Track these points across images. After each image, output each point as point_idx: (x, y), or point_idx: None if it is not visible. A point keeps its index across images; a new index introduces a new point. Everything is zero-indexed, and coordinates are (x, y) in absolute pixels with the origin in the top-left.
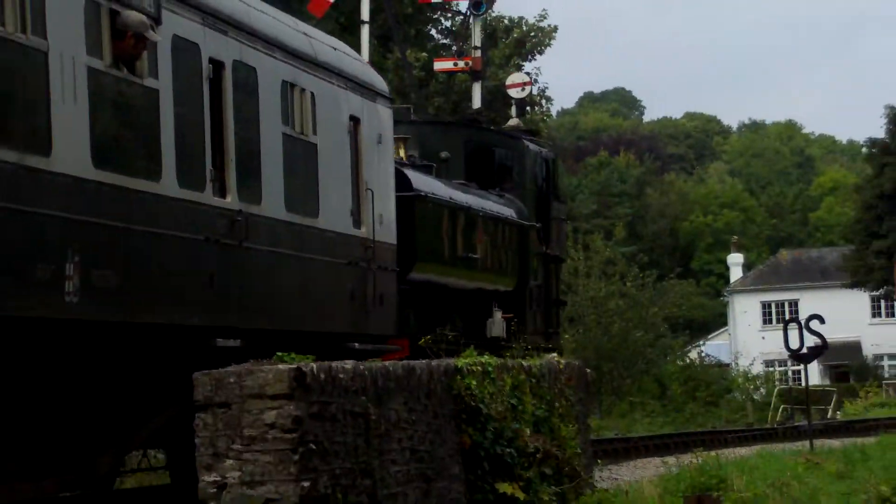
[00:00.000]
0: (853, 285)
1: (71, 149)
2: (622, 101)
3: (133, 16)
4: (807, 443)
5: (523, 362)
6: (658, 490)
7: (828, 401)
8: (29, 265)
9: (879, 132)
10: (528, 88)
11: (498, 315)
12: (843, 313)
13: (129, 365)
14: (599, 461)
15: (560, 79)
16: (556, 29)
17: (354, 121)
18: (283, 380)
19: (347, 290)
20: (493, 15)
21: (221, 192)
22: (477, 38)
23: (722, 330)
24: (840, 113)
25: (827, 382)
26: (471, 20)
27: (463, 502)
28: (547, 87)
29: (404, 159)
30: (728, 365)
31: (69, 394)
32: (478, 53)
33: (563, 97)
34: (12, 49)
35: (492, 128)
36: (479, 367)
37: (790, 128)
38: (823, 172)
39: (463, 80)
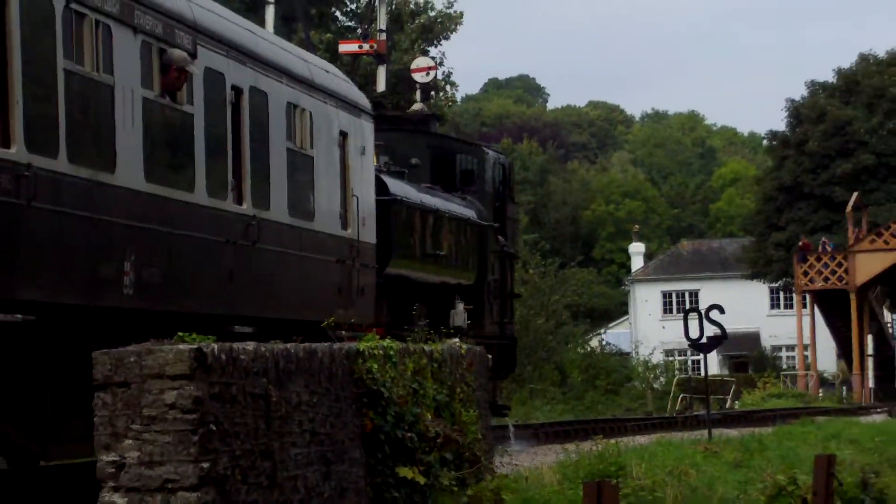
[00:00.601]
0: (752, 276)
1: (129, 166)
2: (526, 89)
3: (177, 53)
4: (705, 432)
5: (425, 347)
6: (557, 476)
7: (726, 391)
8: (100, 263)
9: (780, 125)
10: (432, 73)
11: (460, 306)
12: (743, 304)
13: None
14: (500, 447)
15: (465, 64)
16: (462, 15)
17: (343, 135)
18: (184, 360)
19: (336, 284)
20: None
21: (239, 200)
22: (382, 21)
23: (623, 319)
24: (742, 105)
25: (726, 372)
26: (376, 3)
27: (363, 486)
28: (452, 73)
29: (380, 166)
30: (628, 353)
31: None
32: (383, 37)
33: (467, 83)
34: (89, 85)
35: (455, 136)
36: (380, 351)
37: (692, 118)
38: (725, 164)
39: (368, 62)
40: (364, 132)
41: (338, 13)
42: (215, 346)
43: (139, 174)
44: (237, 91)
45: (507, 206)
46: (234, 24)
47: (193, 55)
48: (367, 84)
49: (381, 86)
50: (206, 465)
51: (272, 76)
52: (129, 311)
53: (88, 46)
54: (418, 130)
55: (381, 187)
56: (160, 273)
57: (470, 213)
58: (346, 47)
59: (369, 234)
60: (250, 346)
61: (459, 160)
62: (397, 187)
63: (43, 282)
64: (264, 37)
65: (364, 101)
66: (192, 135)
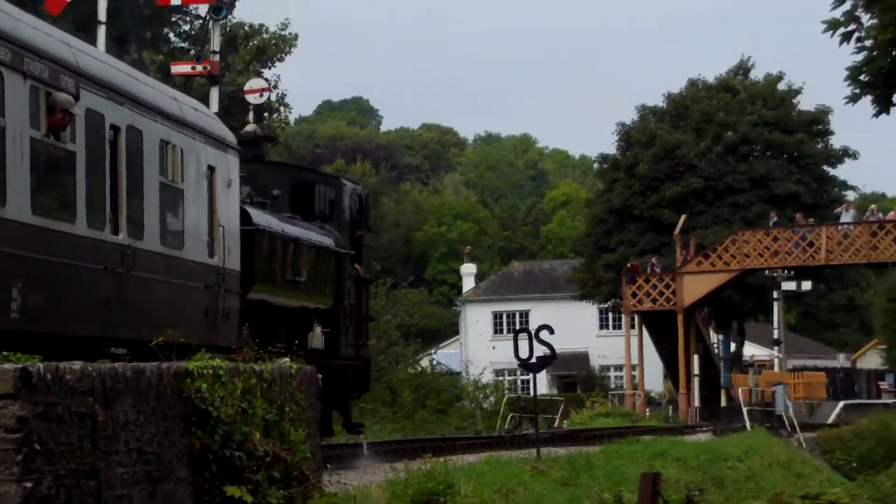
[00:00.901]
0: (582, 297)
1: (18, 200)
2: (360, 111)
3: (62, 96)
4: (534, 451)
5: (255, 366)
6: (386, 495)
7: (555, 410)
8: None
9: (611, 148)
10: (266, 94)
11: (318, 329)
12: (572, 325)
13: None
14: (329, 466)
15: (299, 86)
16: (296, 37)
17: (211, 169)
18: (8, 379)
19: (203, 308)
20: (234, 21)
21: (115, 230)
22: (216, 42)
23: (454, 339)
24: (573, 129)
25: (555, 392)
26: (210, 25)
27: None
28: (286, 94)
29: (244, 197)
30: (459, 373)
31: None
32: (216, 58)
33: (301, 105)
34: None
35: (314, 169)
36: (209, 371)
37: (524, 141)
38: (556, 186)
39: (201, 84)
40: (230, 166)
41: (171, 34)
42: (41, 365)
43: (27, 208)
44: (115, 130)
45: (364, 235)
46: (112, 68)
47: (76, 97)
48: None
49: (213, 107)
50: (29, 484)
51: (147, 115)
52: (15, 333)
53: (15, 101)
54: (279, 163)
55: (245, 217)
56: (44, 298)
57: (328, 242)
58: (178, 68)
59: (234, 262)
60: (77, 365)
61: (318, 191)
62: (260, 217)
63: None
64: (140, 79)
65: (230, 136)
66: (75, 170)
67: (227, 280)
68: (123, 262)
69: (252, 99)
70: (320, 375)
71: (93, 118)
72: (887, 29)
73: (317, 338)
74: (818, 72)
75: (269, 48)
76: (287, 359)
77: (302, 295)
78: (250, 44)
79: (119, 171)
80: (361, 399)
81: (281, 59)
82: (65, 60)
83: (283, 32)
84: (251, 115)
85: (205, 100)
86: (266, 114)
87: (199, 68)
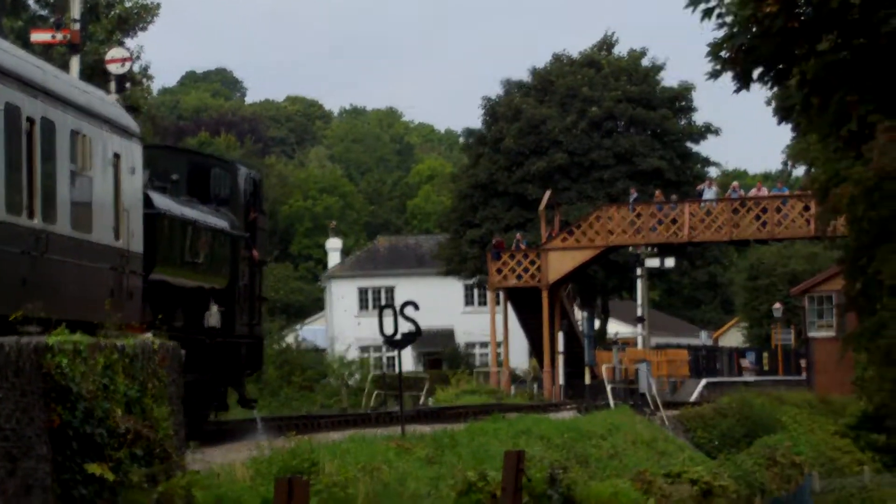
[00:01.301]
0: (448, 273)
1: None
2: (224, 82)
3: None
4: (399, 428)
5: (116, 342)
6: (250, 472)
7: (420, 387)
8: None
9: (477, 123)
10: (128, 64)
11: (214, 308)
12: (438, 301)
13: None
14: (192, 443)
15: (162, 57)
16: (158, 6)
17: (116, 156)
18: None
19: (109, 288)
20: None
21: (31, 215)
22: (76, 10)
23: (319, 315)
24: (439, 103)
25: (420, 369)
26: None
27: (49, 483)
28: (149, 65)
29: (146, 181)
30: (324, 350)
31: None
32: (76, 26)
33: (164, 75)
34: None
35: (210, 154)
36: (70, 346)
37: (390, 115)
38: (422, 160)
39: (61, 52)
40: (133, 153)
41: (30, 1)
42: None
43: None
44: (31, 122)
45: (258, 218)
46: (28, 63)
47: None
48: None
49: (73, 76)
50: None
51: (59, 107)
52: None
53: None
54: (178, 148)
55: (147, 202)
56: None
57: (224, 224)
58: (38, 36)
59: (137, 244)
60: None
61: (214, 175)
62: (161, 201)
63: None
64: (52, 73)
65: (134, 125)
66: None
67: (130, 261)
68: (37, 245)
69: (114, 69)
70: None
71: (11, 111)
72: (747, 5)
73: (213, 316)
74: (682, 47)
75: (130, 17)
76: (150, 334)
77: (199, 275)
78: (112, 12)
79: (34, 160)
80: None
81: (143, 29)
82: None
83: (145, 2)
84: (113, 86)
85: (65, 69)
86: (128, 84)
87: (60, 37)
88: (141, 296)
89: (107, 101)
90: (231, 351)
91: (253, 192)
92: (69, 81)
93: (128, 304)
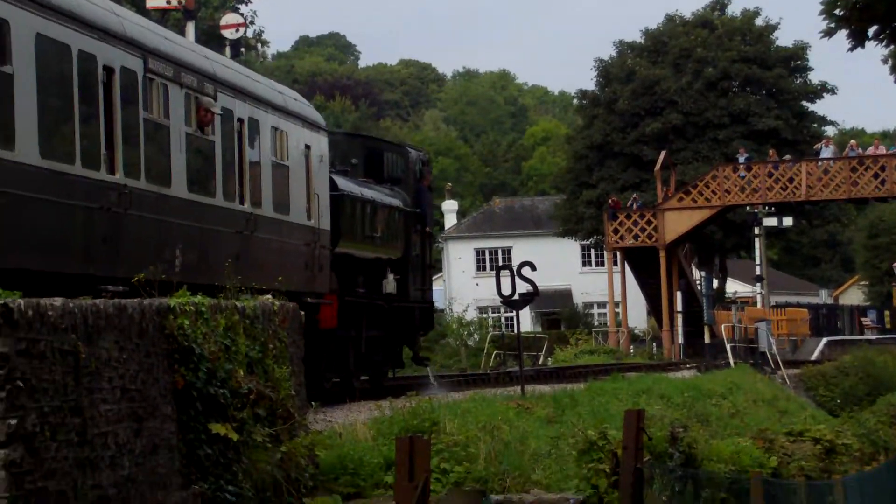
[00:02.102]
0: (564, 234)
1: (179, 182)
2: (338, 46)
3: (206, 99)
4: (518, 388)
5: (237, 303)
6: (372, 432)
7: (539, 347)
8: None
9: (590, 84)
10: (242, 30)
11: (390, 276)
12: (555, 261)
13: None
14: (313, 403)
15: (276, 22)
16: None
17: (307, 147)
18: None
19: (304, 261)
20: None
21: (242, 201)
22: None
23: (437, 276)
24: (552, 64)
25: (539, 329)
26: None
27: (175, 442)
28: (263, 31)
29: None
30: (442, 310)
31: None
32: None
33: (278, 40)
34: (160, 129)
35: (383, 138)
36: (192, 307)
37: (504, 77)
38: (536, 122)
39: (177, 18)
40: (321, 144)
41: None
42: (21, 301)
43: (184, 188)
44: (241, 121)
45: (426, 195)
46: (237, 73)
47: (215, 99)
48: None
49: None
50: (13, 421)
51: (261, 108)
52: (178, 284)
53: (156, 103)
54: (355, 134)
55: (332, 184)
56: (196, 256)
57: (397, 202)
58: (154, 2)
59: (325, 223)
60: (58, 301)
61: (387, 158)
62: (343, 184)
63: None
64: (257, 79)
65: (321, 120)
66: (214, 156)
67: (320, 238)
68: (247, 225)
69: (228, 34)
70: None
71: (226, 114)
72: None
73: (390, 283)
74: (796, 6)
75: None
76: (269, 295)
77: (377, 248)
78: None
79: (243, 152)
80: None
81: None
82: (207, 71)
83: None
84: (228, 51)
85: (181, 34)
86: (243, 49)
87: (175, 2)
88: (329, 267)
89: (299, 100)
90: (406, 314)
91: (421, 171)
92: (269, 84)
93: (319, 274)
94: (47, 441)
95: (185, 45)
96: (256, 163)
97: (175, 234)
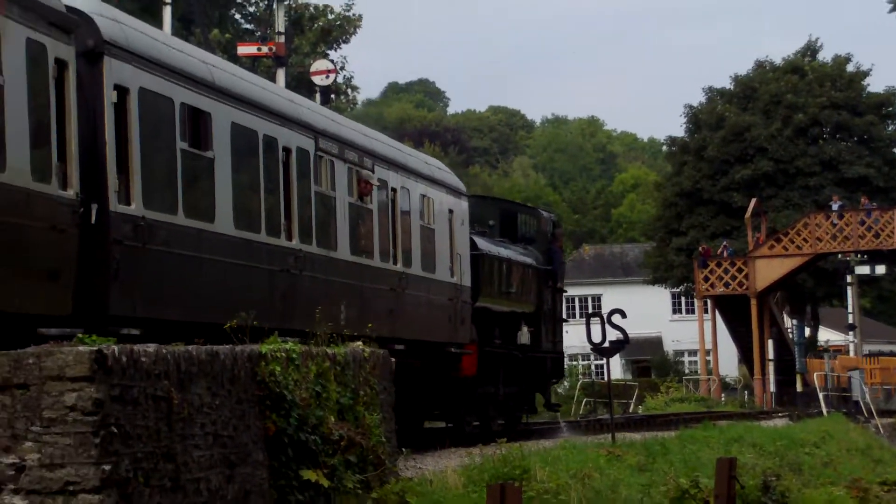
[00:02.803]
0: (654, 281)
1: (343, 245)
2: (427, 93)
3: (365, 172)
4: (609, 435)
5: (328, 350)
6: (462, 479)
7: (629, 395)
8: (326, 303)
9: (679, 131)
10: (332, 76)
11: (524, 328)
12: (645, 309)
13: None
14: (404, 450)
15: (366, 68)
16: (360, 18)
17: (450, 212)
18: (84, 362)
19: (448, 314)
20: (299, 2)
21: (395, 262)
22: (281, 23)
23: None
24: (641, 111)
25: (629, 377)
26: (275, 6)
27: (266, 488)
28: (353, 77)
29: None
30: None
31: None
32: (282, 39)
33: (368, 87)
34: (327, 200)
35: (517, 201)
36: (283, 354)
37: (592, 123)
38: (625, 169)
39: (268, 65)
40: (462, 208)
41: (237, 15)
42: (115, 347)
43: (347, 250)
44: (394, 190)
45: (557, 253)
46: (391, 147)
47: (373, 171)
48: None
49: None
50: (107, 467)
51: (411, 178)
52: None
53: (325, 176)
54: (491, 197)
55: (472, 244)
56: (356, 311)
57: (530, 260)
58: (244, 49)
59: (467, 280)
60: (151, 347)
61: (521, 219)
62: (482, 244)
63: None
64: (407, 152)
65: (462, 186)
66: (373, 223)
67: (462, 293)
68: (400, 283)
69: (319, 80)
70: (525, 364)
71: (382, 184)
72: None
73: (524, 335)
74: (888, 52)
75: (334, 29)
76: (360, 342)
77: (513, 302)
78: (315, 25)
79: (396, 219)
80: None
81: (346, 41)
82: (365, 147)
83: (347, 13)
84: (318, 97)
85: (272, 80)
86: (333, 95)
87: (265, 49)
88: (470, 319)
89: (443, 169)
90: (538, 363)
91: (552, 231)
92: (416, 156)
93: (461, 327)
94: (141, 487)
95: (348, 124)
96: (407, 227)
97: (340, 291)
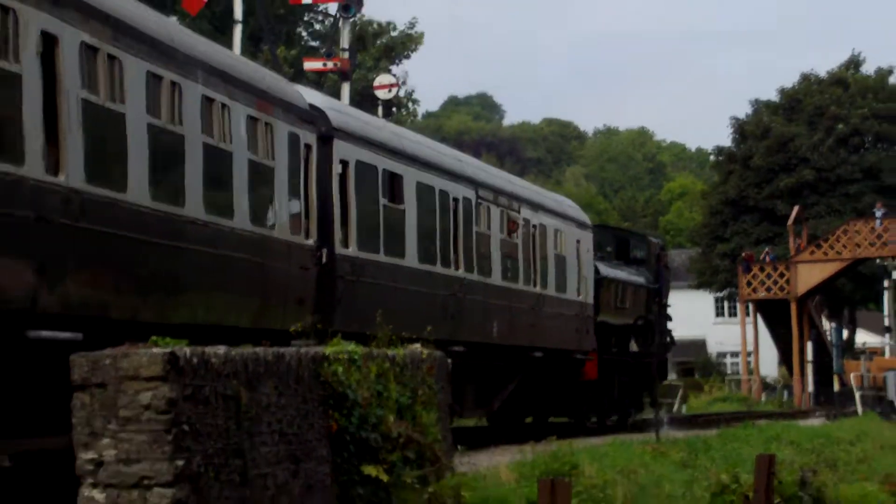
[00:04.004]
0: (699, 286)
1: (497, 272)
2: (484, 106)
3: (513, 213)
4: (654, 434)
5: (388, 351)
6: (514, 475)
7: (674, 395)
8: (481, 319)
9: (726, 141)
10: (394, 90)
11: (635, 338)
12: (690, 312)
13: None
14: (459, 447)
15: (426, 82)
16: (422, 35)
17: (578, 241)
18: (158, 362)
19: (576, 327)
20: (363, 19)
21: (533, 284)
22: (345, 39)
23: None
24: (689, 122)
25: (674, 377)
26: (340, 23)
27: (329, 483)
28: (414, 91)
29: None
30: None
31: None
32: (346, 55)
33: (428, 100)
34: (484, 237)
35: (629, 229)
36: (345, 355)
37: (643, 134)
38: (673, 178)
39: (333, 80)
40: (587, 238)
41: (303, 32)
42: (188, 349)
43: (499, 277)
44: (535, 227)
45: (663, 273)
46: (531, 191)
47: (519, 213)
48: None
49: (344, 102)
50: (180, 462)
51: (547, 215)
52: (494, 345)
53: (483, 217)
54: (608, 226)
55: (595, 269)
56: (506, 325)
57: (641, 280)
58: (311, 65)
59: (590, 298)
60: (221, 349)
61: (632, 244)
62: (603, 268)
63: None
64: (544, 194)
65: (587, 219)
66: (518, 254)
67: (586, 309)
68: (538, 302)
69: (381, 94)
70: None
71: (525, 223)
72: None
73: (635, 344)
74: None
75: (397, 46)
76: (418, 344)
77: (626, 317)
78: (379, 42)
79: (536, 250)
80: None
81: (408, 57)
82: (513, 192)
83: (410, 31)
84: (381, 110)
85: (336, 95)
86: (395, 108)
87: (331, 65)
88: (592, 331)
89: (572, 206)
90: (646, 367)
91: (659, 255)
92: (552, 197)
93: (585, 337)
94: (211, 481)
95: (500, 175)
96: (544, 256)
97: (493, 309)
